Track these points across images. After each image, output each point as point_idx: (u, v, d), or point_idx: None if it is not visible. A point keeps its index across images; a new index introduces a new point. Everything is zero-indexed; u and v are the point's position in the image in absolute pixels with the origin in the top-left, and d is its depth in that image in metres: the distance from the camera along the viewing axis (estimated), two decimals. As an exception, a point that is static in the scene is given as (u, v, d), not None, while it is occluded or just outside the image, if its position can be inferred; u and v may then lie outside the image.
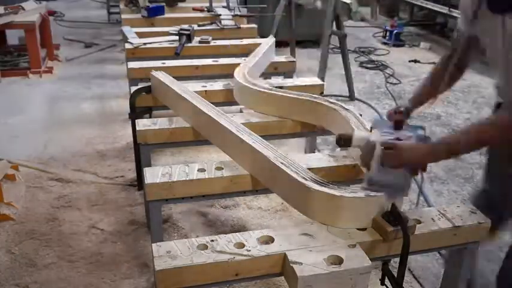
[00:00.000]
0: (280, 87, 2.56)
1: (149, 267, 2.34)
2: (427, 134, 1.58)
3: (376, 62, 5.84)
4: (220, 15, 4.19)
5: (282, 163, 1.68)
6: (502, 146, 1.63)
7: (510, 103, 1.53)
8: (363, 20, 8.24)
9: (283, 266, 1.40)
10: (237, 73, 2.54)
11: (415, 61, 5.98)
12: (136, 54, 3.28)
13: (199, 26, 3.84)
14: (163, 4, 4.37)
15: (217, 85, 2.67)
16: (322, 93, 2.77)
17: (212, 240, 1.42)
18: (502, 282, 1.83)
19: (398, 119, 1.63)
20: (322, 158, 1.97)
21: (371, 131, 1.66)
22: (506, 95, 1.63)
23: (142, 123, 2.23)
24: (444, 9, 6.44)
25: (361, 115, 2.08)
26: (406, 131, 1.59)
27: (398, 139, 1.53)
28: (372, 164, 1.51)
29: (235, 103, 2.54)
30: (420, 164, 1.50)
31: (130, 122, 2.46)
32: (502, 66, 1.54)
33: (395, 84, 5.19)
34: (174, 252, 1.37)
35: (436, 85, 1.76)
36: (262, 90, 2.32)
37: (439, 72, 1.79)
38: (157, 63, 2.96)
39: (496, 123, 1.46)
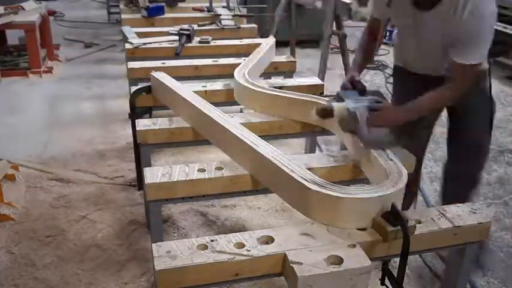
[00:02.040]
0: (280, 87, 2.56)
1: (149, 267, 2.34)
2: (383, 94, 1.96)
3: (376, 62, 5.83)
4: (220, 15, 4.19)
5: (282, 163, 1.68)
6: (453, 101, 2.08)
7: (447, 79, 1.92)
8: (363, 20, 8.23)
9: (283, 266, 1.40)
10: (237, 73, 2.54)
11: (415, 61, 5.97)
12: (136, 54, 3.28)
13: (199, 26, 3.85)
14: (163, 4, 4.37)
15: (217, 85, 2.67)
16: (322, 93, 2.76)
17: (212, 240, 1.42)
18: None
19: (362, 87, 1.95)
20: (322, 158, 1.97)
21: (338, 100, 1.93)
22: (417, 63, 2.19)
23: (142, 123, 2.23)
24: (444, 9, 6.43)
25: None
26: (370, 96, 1.90)
27: (371, 103, 1.84)
28: (358, 127, 1.79)
29: (235, 103, 2.54)
30: (398, 122, 1.88)
31: (130, 122, 2.46)
32: (413, 43, 2.09)
33: (395, 84, 5.19)
34: (174, 252, 1.37)
35: (367, 56, 2.24)
36: (262, 90, 2.32)
37: (369, 45, 2.24)
38: (157, 63, 2.96)
39: (444, 92, 1.89)
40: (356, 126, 1.80)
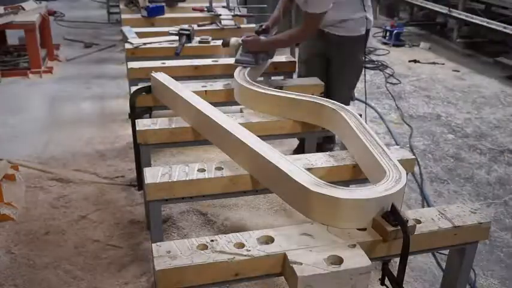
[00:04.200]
0: (280, 87, 2.56)
1: (149, 267, 2.34)
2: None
3: (376, 62, 5.84)
4: (220, 15, 4.19)
5: (281, 163, 1.67)
6: (302, 40, 3.06)
7: (303, 22, 2.67)
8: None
9: (283, 266, 1.40)
10: (237, 73, 2.54)
11: (415, 61, 5.97)
12: (136, 54, 3.28)
13: (199, 26, 3.84)
14: (163, 4, 4.37)
15: (217, 85, 2.67)
16: (322, 93, 2.77)
17: (212, 240, 1.42)
18: None
19: (264, 32, 2.86)
20: (322, 158, 1.97)
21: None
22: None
23: (142, 123, 2.23)
24: (444, 9, 6.44)
25: (360, 115, 2.08)
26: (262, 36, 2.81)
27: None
28: (237, 52, 2.75)
29: (235, 103, 2.54)
30: (262, 48, 2.70)
31: (130, 122, 2.46)
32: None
33: (395, 84, 5.19)
34: (174, 252, 1.37)
35: (283, 14, 3.00)
36: (262, 90, 2.32)
37: (286, 5, 3.01)
38: (157, 63, 2.96)
39: (299, 30, 2.71)
40: (236, 51, 2.73)
